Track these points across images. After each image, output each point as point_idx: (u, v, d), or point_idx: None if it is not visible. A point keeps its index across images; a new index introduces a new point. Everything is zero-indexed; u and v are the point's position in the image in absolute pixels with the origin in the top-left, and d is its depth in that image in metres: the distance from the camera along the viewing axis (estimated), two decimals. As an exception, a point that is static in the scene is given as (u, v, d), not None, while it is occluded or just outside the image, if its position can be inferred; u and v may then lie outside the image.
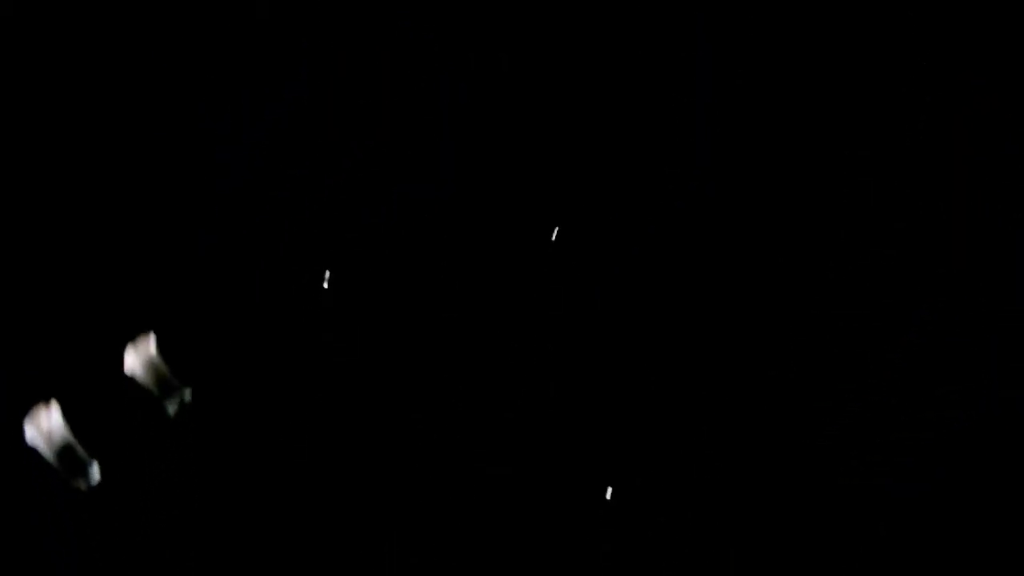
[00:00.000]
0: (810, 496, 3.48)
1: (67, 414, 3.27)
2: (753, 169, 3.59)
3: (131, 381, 3.34)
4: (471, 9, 3.62)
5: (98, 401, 3.35)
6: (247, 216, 3.57)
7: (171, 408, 3.35)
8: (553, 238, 3.43)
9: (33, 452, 3.26)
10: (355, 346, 3.56)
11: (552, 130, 3.62)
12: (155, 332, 3.36)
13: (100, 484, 3.29)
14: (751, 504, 3.49)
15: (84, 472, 3.29)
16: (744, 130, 3.60)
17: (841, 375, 3.52)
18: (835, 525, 3.47)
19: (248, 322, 3.54)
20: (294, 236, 3.58)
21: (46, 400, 3.27)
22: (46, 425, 3.24)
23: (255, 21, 3.59)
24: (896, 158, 3.57)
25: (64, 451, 3.26)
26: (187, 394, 3.37)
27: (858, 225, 3.56)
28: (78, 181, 3.54)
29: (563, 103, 3.63)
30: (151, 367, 3.34)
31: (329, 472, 3.50)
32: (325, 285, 3.36)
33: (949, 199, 3.55)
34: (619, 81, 3.63)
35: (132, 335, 3.33)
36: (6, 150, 3.53)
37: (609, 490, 3.43)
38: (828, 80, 3.59)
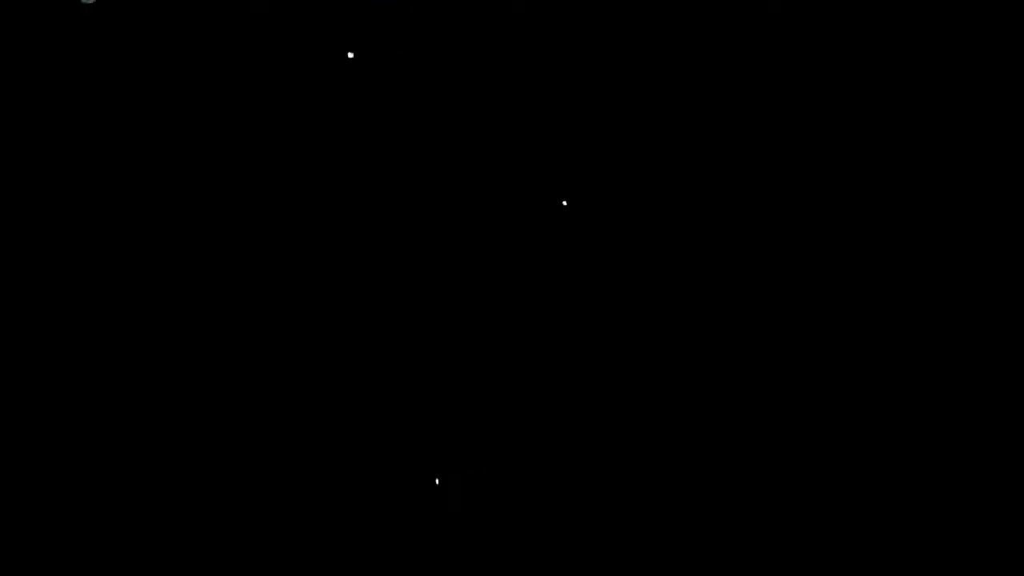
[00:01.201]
0: (810, 496, 3.49)
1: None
2: (753, 169, 3.59)
3: None
4: (470, 9, 3.62)
5: None
6: (247, 215, 3.57)
7: None
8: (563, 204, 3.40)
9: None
10: (355, 346, 3.56)
11: (552, 130, 3.62)
12: None
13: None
14: (751, 504, 3.50)
15: None
16: (744, 130, 3.60)
17: (841, 375, 3.53)
18: (835, 525, 3.47)
19: (247, 322, 3.54)
20: (294, 236, 3.57)
21: None
22: None
23: (255, 20, 3.59)
24: (897, 158, 3.57)
25: None
26: None
27: (858, 225, 3.56)
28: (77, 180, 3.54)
29: (563, 103, 3.63)
30: None
31: (328, 472, 3.51)
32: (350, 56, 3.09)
33: (949, 199, 3.56)
34: (619, 81, 3.63)
35: None
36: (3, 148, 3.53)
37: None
38: (828, 80, 3.59)
